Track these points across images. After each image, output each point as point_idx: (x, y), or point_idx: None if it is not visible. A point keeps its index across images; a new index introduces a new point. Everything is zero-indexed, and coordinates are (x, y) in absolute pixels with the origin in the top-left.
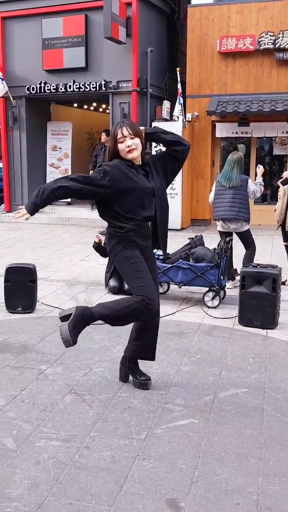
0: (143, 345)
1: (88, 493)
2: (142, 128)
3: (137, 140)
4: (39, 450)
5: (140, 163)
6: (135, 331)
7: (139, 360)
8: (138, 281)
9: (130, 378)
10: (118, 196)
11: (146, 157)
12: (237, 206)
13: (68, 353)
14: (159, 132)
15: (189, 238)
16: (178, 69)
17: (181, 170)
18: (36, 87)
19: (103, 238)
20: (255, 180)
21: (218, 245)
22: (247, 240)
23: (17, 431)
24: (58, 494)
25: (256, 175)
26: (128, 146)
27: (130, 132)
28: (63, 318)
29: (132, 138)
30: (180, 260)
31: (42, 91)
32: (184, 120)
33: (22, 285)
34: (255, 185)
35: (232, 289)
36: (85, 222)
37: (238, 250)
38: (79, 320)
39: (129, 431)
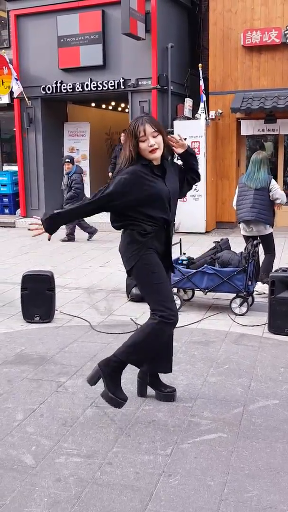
0: (157, 356)
1: (111, 511)
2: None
3: (159, 138)
4: (59, 466)
5: (159, 162)
6: None
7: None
8: (157, 294)
9: (150, 391)
10: (134, 205)
11: (167, 156)
12: (257, 207)
13: (89, 364)
14: (193, 159)
15: (214, 242)
16: (200, 65)
17: (204, 171)
18: (52, 87)
19: None
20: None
21: (245, 249)
22: (268, 244)
23: (36, 447)
24: None
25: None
26: (150, 146)
27: (153, 130)
28: (93, 381)
29: (154, 137)
30: (205, 265)
31: (58, 91)
32: (207, 118)
33: (40, 294)
34: (281, 191)
35: (261, 294)
36: (104, 226)
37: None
38: (112, 377)
39: (154, 446)
